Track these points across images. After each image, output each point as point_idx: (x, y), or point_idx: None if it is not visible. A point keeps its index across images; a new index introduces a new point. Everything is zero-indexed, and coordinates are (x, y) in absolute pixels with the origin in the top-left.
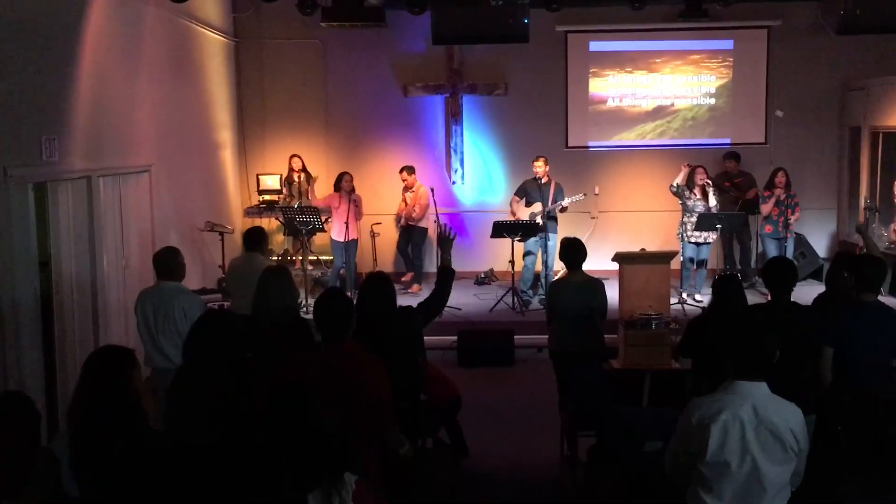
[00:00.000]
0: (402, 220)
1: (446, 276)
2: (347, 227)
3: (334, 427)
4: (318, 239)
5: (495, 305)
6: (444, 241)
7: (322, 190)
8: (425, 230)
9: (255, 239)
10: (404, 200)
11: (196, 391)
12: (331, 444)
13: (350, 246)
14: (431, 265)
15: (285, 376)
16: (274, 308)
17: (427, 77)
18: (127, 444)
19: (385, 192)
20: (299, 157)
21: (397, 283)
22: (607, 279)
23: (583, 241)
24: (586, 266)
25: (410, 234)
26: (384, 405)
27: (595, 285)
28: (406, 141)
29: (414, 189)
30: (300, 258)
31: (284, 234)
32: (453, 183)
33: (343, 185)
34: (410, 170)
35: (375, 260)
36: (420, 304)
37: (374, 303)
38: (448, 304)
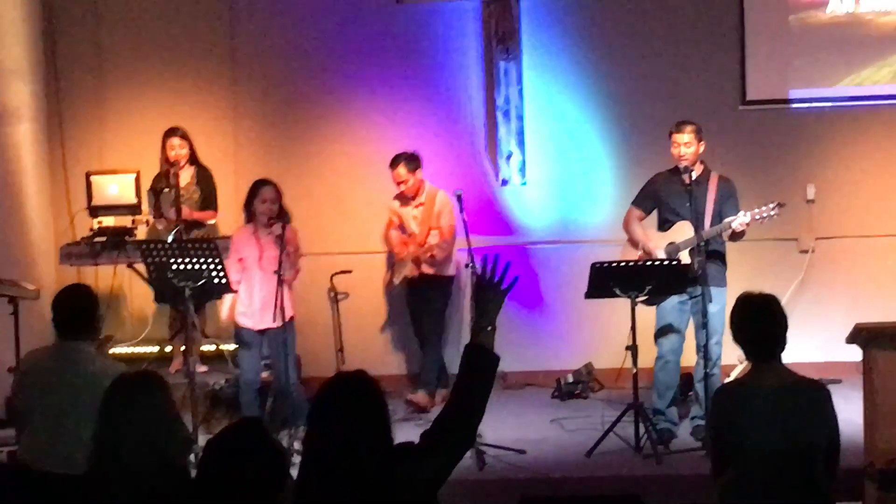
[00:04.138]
0: (410, 269)
1: (480, 366)
2: (278, 298)
3: None
4: (217, 310)
5: (599, 442)
6: (489, 291)
7: (227, 214)
8: (450, 283)
9: (76, 313)
10: (398, 225)
11: None
12: None
13: (281, 335)
14: (455, 356)
15: None
16: (136, 463)
17: None
18: None
19: (357, 210)
20: (184, 136)
21: (395, 401)
22: (838, 383)
23: (781, 301)
24: (790, 355)
25: (422, 294)
26: None
27: (812, 397)
28: (402, 97)
29: (423, 200)
30: (181, 348)
31: (156, 301)
32: (503, 183)
33: (259, 207)
34: (411, 162)
35: (341, 351)
36: (425, 435)
37: (344, 444)
38: (496, 440)
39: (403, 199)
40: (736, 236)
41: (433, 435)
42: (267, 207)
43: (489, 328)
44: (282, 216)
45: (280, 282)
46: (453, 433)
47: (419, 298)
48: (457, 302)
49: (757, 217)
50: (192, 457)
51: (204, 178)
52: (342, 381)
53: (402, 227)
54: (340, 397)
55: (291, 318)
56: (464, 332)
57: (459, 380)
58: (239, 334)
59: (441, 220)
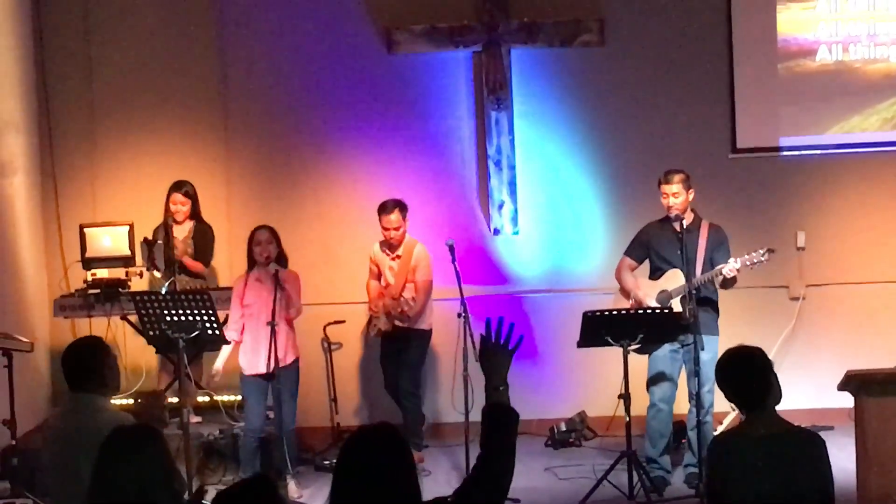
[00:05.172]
0: (384, 323)
1: (501, 423)
2: (274, 344)
3: None
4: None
5: (593, 490)
6: (494, 353)
7: (220, 263)
8: (425, 336)
9: (81, 365)
10: (378, 275)
11: None
12: None
13: (282, 381)
14: (447, 406)
15: None
16: None
17: (436, 12)
18: None
19: (349, 260)
20: (188, 194)
21: None
22: (830, 430)
23: (772, 348)
24: (782, 402)
25: (398, 348)
26: None
27: (805, 446)
28: (394, 147)
29: (400, 251)
30: (176, 400)
31: (158, 354)
32: (495, 232)
33: (254, 249)
34: (404, 208)
35: (335, 400)
36: (458, 492)
37: (375, 499)
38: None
39: (386, 246)
40: (727, 283)
41: (465, 493)
42: (262, 249)
43: (502, 387)
44: (279, 259)
45: (273, 330)
46: (485, 491)
47: (393, 351)
48: (445, 352)
49: (748, 263)
50: None
51: (200, 233)
52: (369, 434)
53: (379, 276)
54: (369, 451)
55: (296, 359)
56: (457, 382)
57: (484, 440)
58: (244, 380)
59: (417, 275)
